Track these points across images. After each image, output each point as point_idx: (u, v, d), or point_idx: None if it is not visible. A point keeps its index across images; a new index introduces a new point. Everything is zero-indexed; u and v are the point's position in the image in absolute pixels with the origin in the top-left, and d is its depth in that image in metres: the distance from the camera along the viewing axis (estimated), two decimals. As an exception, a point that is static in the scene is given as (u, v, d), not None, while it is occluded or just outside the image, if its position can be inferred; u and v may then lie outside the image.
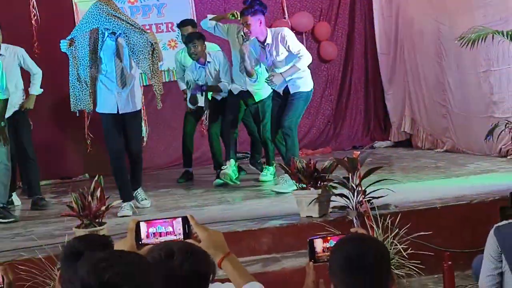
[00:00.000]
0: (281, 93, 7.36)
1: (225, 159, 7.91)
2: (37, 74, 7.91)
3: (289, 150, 7.12)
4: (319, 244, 2.71)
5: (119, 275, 1.86)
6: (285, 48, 7.16)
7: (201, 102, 8.31)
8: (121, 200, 6.58)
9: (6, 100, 7.00)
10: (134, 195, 6.96)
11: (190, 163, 8.73)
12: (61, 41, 6.68)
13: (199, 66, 8.10)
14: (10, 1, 9.21)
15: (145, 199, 7.06)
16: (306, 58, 7.23)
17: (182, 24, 8.53)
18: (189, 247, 2.43)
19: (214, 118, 8.28)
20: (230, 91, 7.99)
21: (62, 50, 6.69)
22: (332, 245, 2.64)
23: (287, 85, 7.28)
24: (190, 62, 8.28)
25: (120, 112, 6.72)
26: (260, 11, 7.23)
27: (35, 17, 9.27)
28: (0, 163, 7.00)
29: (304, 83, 7.29)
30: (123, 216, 6.45)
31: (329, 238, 2.71)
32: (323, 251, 2.70)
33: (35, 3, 9.27)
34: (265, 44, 7.23)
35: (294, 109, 7.22)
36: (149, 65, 6.55)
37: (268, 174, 7.96)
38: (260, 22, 7.20)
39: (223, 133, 8.12)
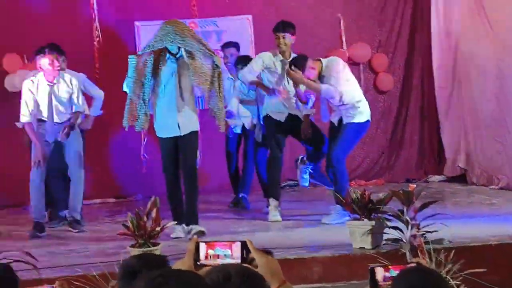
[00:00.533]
0: (336, 123, 7.38)
1: (267, 193, 7.80)
2: (98, 98, 8.12)
3: (338, 183, 7.06)
4: (380, 273, 2.72)
5: None
6: (331, 76, 7.22)
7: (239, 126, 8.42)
8: (175, 222, 6.59)
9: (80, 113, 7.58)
10: (189, 229, 6.71)
11: (239, 188, 8.78)
12: (130, 56, 6.79)
13: (249, 89, 8.19)
14: (74, 22, 9.43)
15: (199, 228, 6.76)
16: (337, 93, 7.19)
17: (226, 46, 8.65)
18: (247, 271, 2.44)
19: (260, 144, 8.21)
20: (274, 119, 7.72)
21: (130, 65, 6.72)
22: (392, 275, 2.65)
23: (341, 115, 7.31)
24: (229, 85, 8.31)
25: (182, 133, 6.72)
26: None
27: (98, 39, 9.45)
28: (80, 173, 7.46)
29: (359, 114, 7.29)
30: (176, 238, 6.50)
31: (389, 267, 2.72)
32: (384, 280, 2.71)
33: (98, 25, 9.46)
34: (321, 77, 7.28)
35: (344, 140, 7.19)
36: (215, 89, 6.61)
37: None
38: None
39: (270, 163, 7.79)
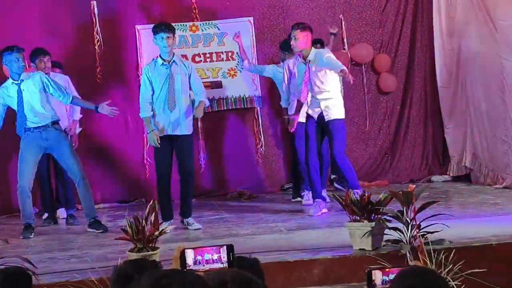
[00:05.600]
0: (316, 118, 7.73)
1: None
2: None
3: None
4: (378, 276, 2.67)
5: None
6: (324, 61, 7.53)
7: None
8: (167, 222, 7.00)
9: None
10: (186, 222, 7.36)
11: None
12: None
13: None
14: (74, 27, 9.43)
15: (196, 225, 7.40)
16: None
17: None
18: (243, 277, 2.41)
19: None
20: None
21: None
22: (391, 278, 2.59)
23: (321, 112, 7.65)
24: None
25: (171, 133, 7.24)
26: (309, 29, 7.66)
27: (99, 43, 9.44)
28: (82, 176, 7.49)
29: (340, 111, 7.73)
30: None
31: (387, 270, 2.66)
32: (382, 283, 2.65)
33: (99, 29, 9.45)
34: (307, 60, 7.61)
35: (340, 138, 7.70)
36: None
37: None
38: (307, 39, 7.60)
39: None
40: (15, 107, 7.42)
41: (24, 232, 7.43)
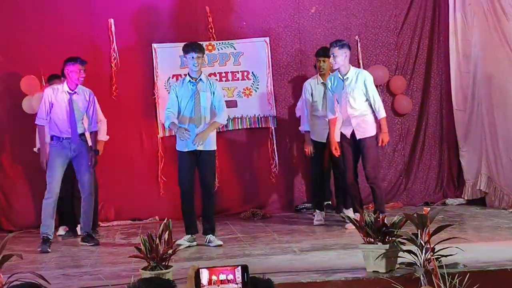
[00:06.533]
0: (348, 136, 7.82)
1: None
2: (104, 121, 8.41)
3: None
4: None
5: None
6: (363, 89, 7.75)
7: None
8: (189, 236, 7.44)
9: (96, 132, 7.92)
10: (207, 239, 7.48)
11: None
12: None
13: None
14: (91, 45, 9.49)
15: (217, 241, 7.49)
16: (382, 108, 7.89)
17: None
18: None
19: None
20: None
21: None
22: None
23: (353, 130, 7.75)
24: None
25: (196, 149, 7.34)
26: (348, 46, 7.83)
27: (115, 61, 9.51)
28: (90, 193, 7.71)
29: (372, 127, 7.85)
30: (177, 244, 6.64)
31: None
32: None
33: (116, 47, 9.52)
34: (345, 77, 7.76)
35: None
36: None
37: None
38: (345, 56, 7.75)
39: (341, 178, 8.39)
40: (55, 112, 7.61)
41: (42, 245, 7.50)
